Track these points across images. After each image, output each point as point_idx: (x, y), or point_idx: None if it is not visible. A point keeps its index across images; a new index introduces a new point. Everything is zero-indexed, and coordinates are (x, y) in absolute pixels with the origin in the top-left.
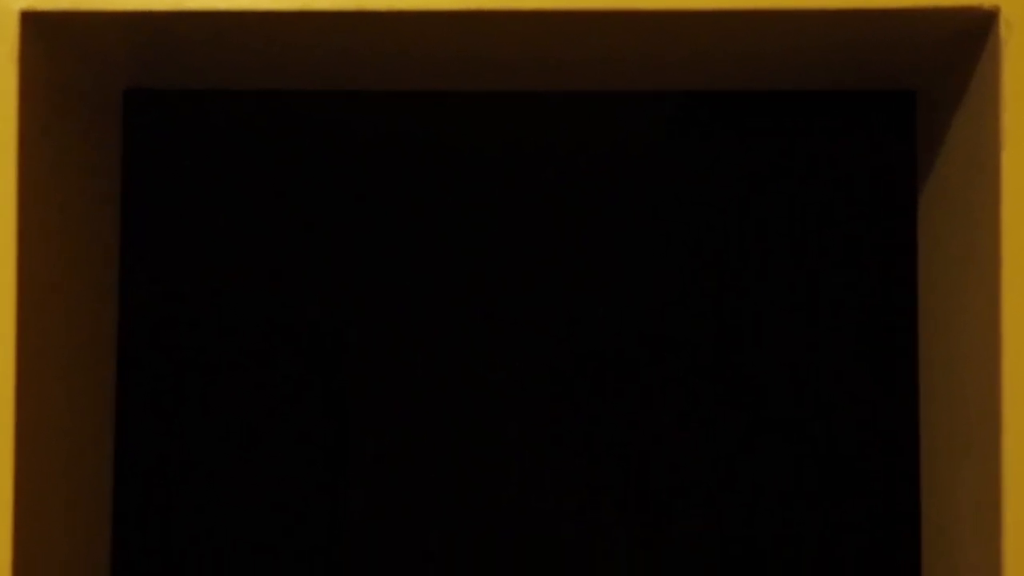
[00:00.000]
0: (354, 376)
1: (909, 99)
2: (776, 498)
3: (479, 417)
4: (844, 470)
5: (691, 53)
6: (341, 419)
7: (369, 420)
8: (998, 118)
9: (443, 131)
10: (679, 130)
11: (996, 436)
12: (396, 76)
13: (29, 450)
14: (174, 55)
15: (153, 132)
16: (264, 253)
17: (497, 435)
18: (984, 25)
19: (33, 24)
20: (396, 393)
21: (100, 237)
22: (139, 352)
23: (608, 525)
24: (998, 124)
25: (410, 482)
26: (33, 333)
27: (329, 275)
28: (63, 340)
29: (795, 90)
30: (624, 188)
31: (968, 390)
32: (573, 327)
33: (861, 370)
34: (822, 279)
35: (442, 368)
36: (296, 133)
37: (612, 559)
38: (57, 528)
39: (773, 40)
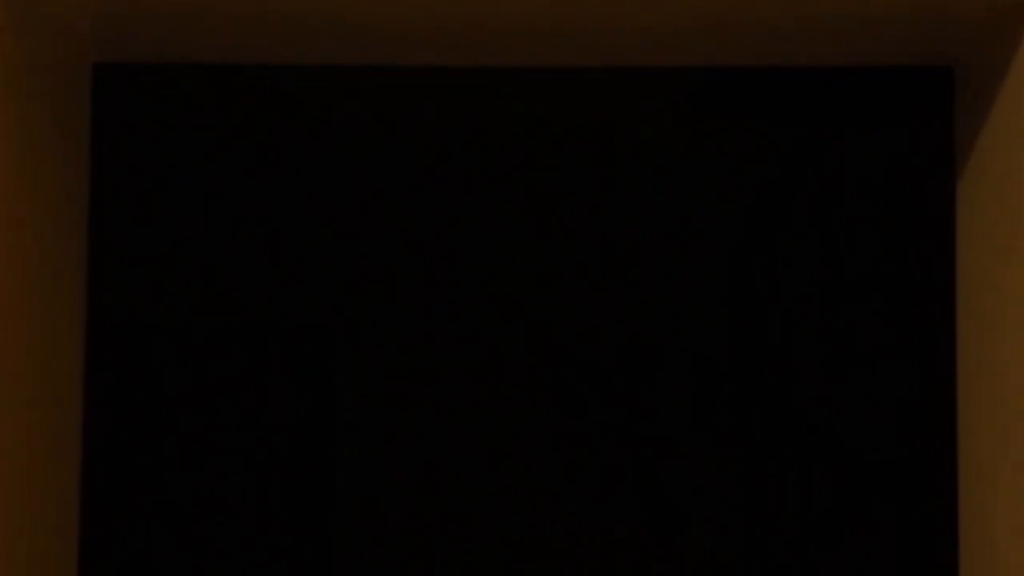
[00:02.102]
0: (337, 347)
1: (946, 75)
2: (804, 509)
3: (478, 421)
4: (877, 477)
5: (715, 25)
6: (327, 413)
7: (359, 427)
8: None
9: (443, 108)
10: (700, 107)
11: None
12: (388, 51)
13: None
14: (144, 27)
15: (123, 106)
16: (237, 229)
17: (498, 443)
18: None
19: None
20: (389, 388)
21: (68, 216)
22: (109, 333)
23: (618, 543)
24: None
25: (401, 488)
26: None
27: (307, 254)
28: (30, 321)
29: (827, 66)
30: (641, 169)
31: (1010, 387)
32: (583, 322)
33: (896, 367)
34: (855, 266)
35: (440, 369)
36: (273, 108)
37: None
38: (22, 525)
39: (803, 12)
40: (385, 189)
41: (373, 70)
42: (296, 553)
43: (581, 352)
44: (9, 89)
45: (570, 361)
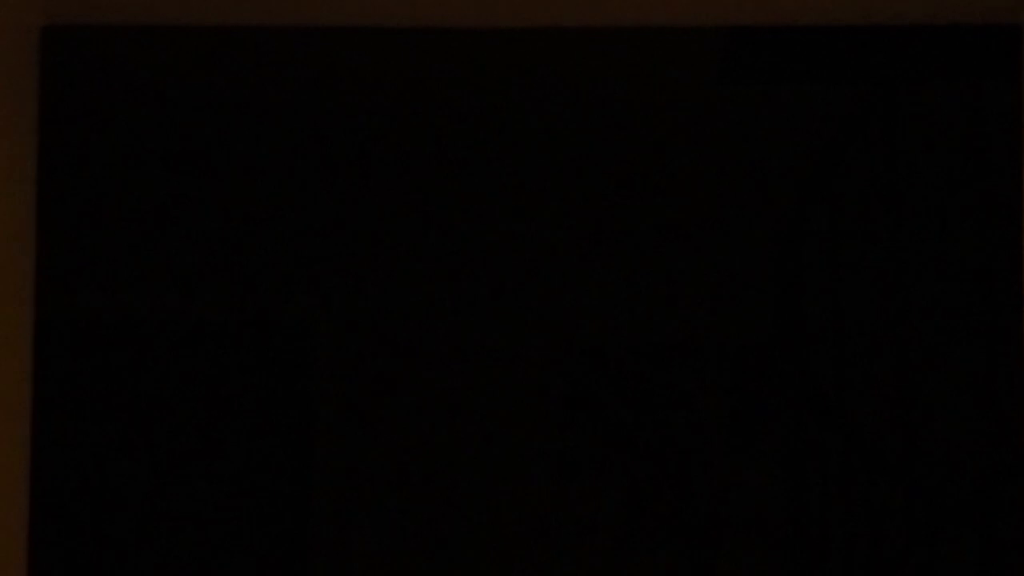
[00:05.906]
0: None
1: (1014, 33)
2: (859, 526)
3: (485, 428)
4: (942, 489)
5: None
6: (305, 404)
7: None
8: None
9: (444, 76)
10: (734, 71)
11: None
12: (376, 8)
13: None
14: None
15: (73, 71)
16: (193, 198)
17: (507, 452)
18: None
19: None
20: (381, 389)
21: (14, 189)
22: (60, 322)
23: (645, 567)
24: None
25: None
26: None
27: (286, 238)
28: None
29: (886, 24)
30: (665, 142)
31: None
32: (603, 318)
33: (960, 359)
34: (913, 245)
35: (440, 369)
36: (232, 71)
37: None
38: None
39: None
40: (374, 159)
41: (356, 32)
42: (276, 556)
43: (600, 351)
44: None
45: (586, 361)
